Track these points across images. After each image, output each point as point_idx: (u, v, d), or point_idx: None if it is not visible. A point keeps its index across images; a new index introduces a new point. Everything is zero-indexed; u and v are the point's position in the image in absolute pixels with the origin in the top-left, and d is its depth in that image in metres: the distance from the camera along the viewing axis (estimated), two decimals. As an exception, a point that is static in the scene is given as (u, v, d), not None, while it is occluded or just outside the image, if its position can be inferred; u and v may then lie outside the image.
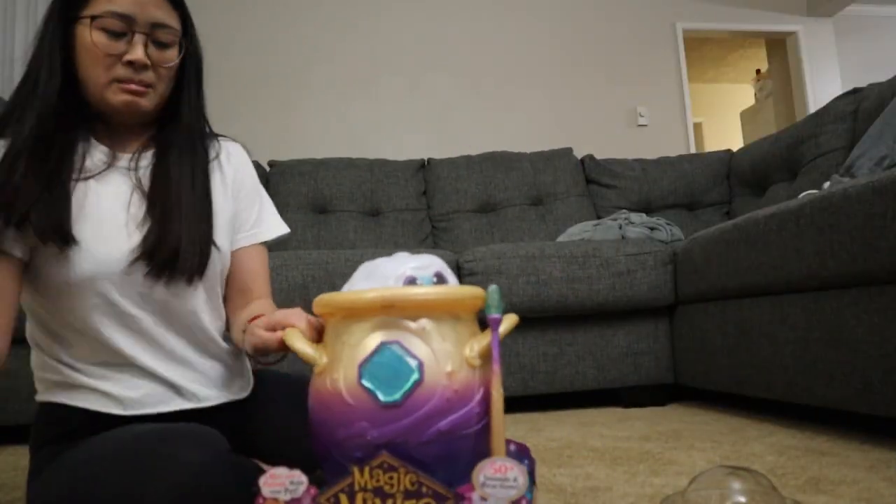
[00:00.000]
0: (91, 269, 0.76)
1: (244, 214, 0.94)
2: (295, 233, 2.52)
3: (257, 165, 2.43)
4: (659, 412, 1.78)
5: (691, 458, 1.14)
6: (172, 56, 0.81)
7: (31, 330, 0.84)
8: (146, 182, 0.83)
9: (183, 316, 0.83)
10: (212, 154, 0.90)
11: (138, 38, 0.77)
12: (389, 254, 0.64)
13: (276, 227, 0.97)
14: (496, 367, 0.56)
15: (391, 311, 0.57)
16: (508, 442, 0.66)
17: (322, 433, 0.58)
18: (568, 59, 4.00)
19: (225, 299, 0.92)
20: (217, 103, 0.99)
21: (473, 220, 2.66)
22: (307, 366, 0.61)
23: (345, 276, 2.33)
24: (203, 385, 0.85)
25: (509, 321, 0.62)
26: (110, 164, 0.82)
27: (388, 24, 3.85)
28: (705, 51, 6.25)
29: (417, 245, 2.57)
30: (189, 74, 0.85)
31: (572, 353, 1.90)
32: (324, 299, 0.59)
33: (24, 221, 0.72)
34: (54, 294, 0.78)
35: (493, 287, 0.57)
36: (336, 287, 1.95)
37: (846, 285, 1.21)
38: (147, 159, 0.85)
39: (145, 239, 0.78)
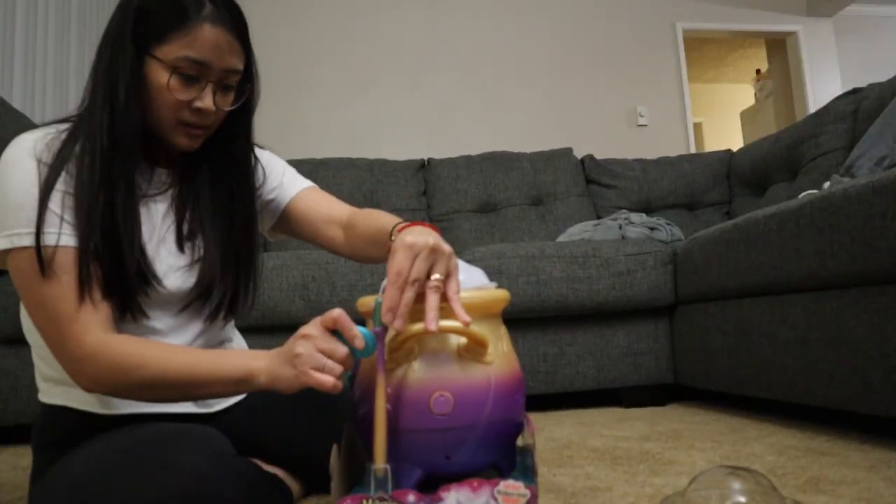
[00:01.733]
0: (149, 302, 0.78)
1: (278, 179, 0.98)
2: (295, 233, 2.52)
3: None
4: (659, 412, 1.78)
5: (691, 458, 1.14)
6: (232, 99, 0.80)
7: (28, 324, 0.80)
8: (187, 212, 0.84)
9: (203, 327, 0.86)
10: (258, 179, 0.92)
11: (210, 87, 0.76)
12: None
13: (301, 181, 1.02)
14: (380, 377, 0.62)
15: None
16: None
17: None
18: (568, 59, 4.00)
19: (322, 242, 0.96)
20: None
21: (473, 220, 2.66)
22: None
23: (345, 276, 2.32)
24: None
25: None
26: (166, 185, 0.83)
27: (388, 24, 3.85)
28: (705, 51, 6.25)
29: (417, 245, 2.57)
30: (245, 109, 0.84)
31: (572, 353, 1.90)
32: None
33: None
34: None
35: (378, 299, 0.62)
36: (336, 287, 1.93)
37: (846, 285, 1.21)
38: (186, 184, 0.85)
39: (199, 282, 0.82)
